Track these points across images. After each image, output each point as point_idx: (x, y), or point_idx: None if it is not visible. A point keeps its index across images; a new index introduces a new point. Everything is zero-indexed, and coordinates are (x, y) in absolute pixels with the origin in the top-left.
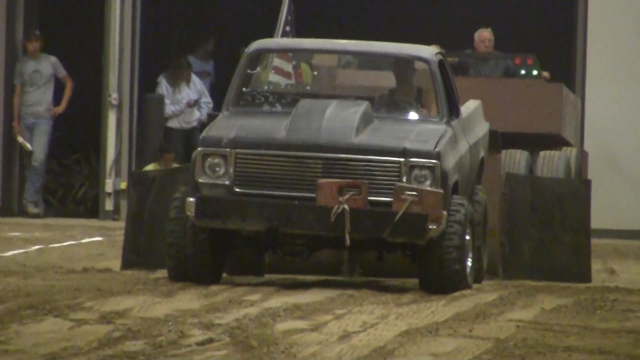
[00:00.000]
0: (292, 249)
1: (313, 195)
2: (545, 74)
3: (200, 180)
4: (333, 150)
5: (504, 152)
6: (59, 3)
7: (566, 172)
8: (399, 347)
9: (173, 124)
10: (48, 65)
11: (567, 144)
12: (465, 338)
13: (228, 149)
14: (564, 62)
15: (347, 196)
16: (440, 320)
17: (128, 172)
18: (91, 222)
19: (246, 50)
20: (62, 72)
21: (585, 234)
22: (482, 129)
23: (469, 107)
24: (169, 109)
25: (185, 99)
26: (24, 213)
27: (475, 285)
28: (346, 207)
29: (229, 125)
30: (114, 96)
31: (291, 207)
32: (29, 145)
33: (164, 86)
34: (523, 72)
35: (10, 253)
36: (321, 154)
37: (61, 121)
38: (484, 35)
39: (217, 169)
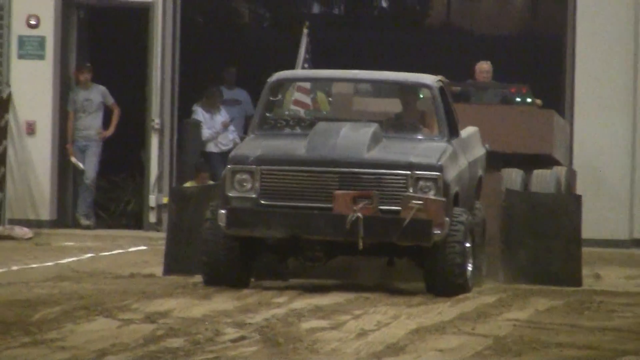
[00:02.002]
0: (312, 255)
1: (330, 205)
2: (538, 101)
3: (230, 194)
4: (347, 165)
5: (502, 170)
6: (107, 38)
7: (557, 188)
8: (410, 344)
9: (211, 148)
10: (98, 94)
11: (558, 163)
12: (468, 335)
13: (254, 166)
14: (554, 90)
15: (360, 205)
16: (446, 319)
17: (169, 188)
18: (136, 233)
19: (268, 80)
20: (110, 100)
21: (577, 243)
22: (479, 151)
23: (467, 131)
24: (207, 132)
25: (220, 122)
26: (77, 225)
27: (477, 289)
28: (360, 215)
29: (255, 146)
30: (156, 121)
31: (310, 216)
32: (81, 165)
33: (200, 113)
34: (518, 99)
35: (65, 260)
36: (337, 169)
37: (110, 143)
38: (483, 67)
39: (244, 183)
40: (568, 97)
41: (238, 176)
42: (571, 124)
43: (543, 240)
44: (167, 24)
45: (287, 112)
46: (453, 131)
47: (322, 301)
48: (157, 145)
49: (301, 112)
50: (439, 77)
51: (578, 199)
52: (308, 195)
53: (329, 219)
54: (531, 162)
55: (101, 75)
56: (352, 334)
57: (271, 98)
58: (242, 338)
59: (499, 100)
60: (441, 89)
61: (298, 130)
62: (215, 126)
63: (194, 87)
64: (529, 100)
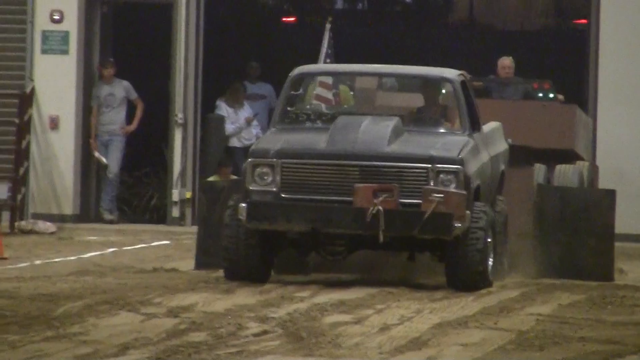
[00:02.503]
0: (332, 249)
1: (350, 198)
2: (560, 96)
3: (250, 188)
4: (368, 159)
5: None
6: (131, 34)
7: (579, 183)
8: (432, 338)
9: (234, 143)
10: (121, 88)
11: (580, 158)
12: (491, 330)
13: (275, 159)
14: (578, 86)
15: (380, 199)
16: (469, 314)
17: (196, 182)
18: (159, 227)
19: (290, 75)
20: (134, 95)
21: (610, 238)
22: (502, 146)
23: (490, 126)
24: (230, 127)
25: (243, 117)
26: (100, 220)
27: (499, 283)
28: (380, 208)
29: (275, 139)
30: (179, 116)
31: (331, 209)
32: (104, 160)
33: (223, 108)
34: (540, 95)
35: (88, 255)
36: (357, 162)
37: (133, 138)
38: (505, 63)
39: (265, 177)
40: (591, 93)
41: (259, 169)
42: (594, 119)
43: (575, 235)
44: (190, 19)
45: (308, 106)
46: (475, 125)
47: (345, 295)
48: (180, 140)
49: (323, 107)
50: (461, 72)
51: (612, 194)
52: (329, 189)
53: (350, 212)
54: (554, 157)
55: (125, 70)
56: (374, 328)
57: (292, 92)
58: (265, 332)
59: (521, 95)
60: (463, 83)
61: (319, 124)
62: (239, 121)
63: (218, 82)
64: (551, 95)
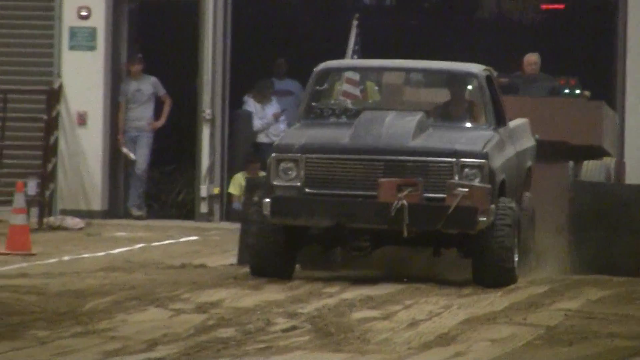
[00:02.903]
0: (357, 245)
1: (374, 193)
2: (587, 92)
3: (274, 183)
4: (392, 153)
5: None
6: (158, 29)
7: (606, 179)
8: (461, 334)
9: (262, 139)
10: (149, 84)
11: (607, 154)
12: (519, 325)
13: (299, 154)
14: (606, 82)
15: (405, 193)
16: (497, 309)
17: (224, 178)
18: (188, 223)
19: (315, 70)
20: (162, 91)
21: None
22: (528, 142)
23: (516, 122)
24: (258, 123)
25: (271, 113)
26: (128, 216)
27: (528, 279)
28: (404, 202)
29: (300, 134)
30: (207, 112)
31: (355, 204)
32: (132, 156)
33: (250, 104)
34: (567, 91)
35: (116, 251)
36: (381, 157)
37: (161, 134)
38: (531, 59)
39: (289, 172)
40: (619, 88)
41: (282, 165)
42: (622, 116)
43: (610, 231)
44: (218, 14)
45: (332, 101)
46: (500, 120)
47: (373, 291)
48: (208, 135)
49: (348, 102)
50: (486, 67)
51: None
52: (353, 184)
53: (374, 206)
54: (580, 153)
55: (152, 66)
56: (403, 324)
57: (317, 87)
58: (293, 328)
59: (547, 92)
60: (488, 78)
61: (344, 119)
62: (266, 117)
63: (245, 78)
64: (577, 91)
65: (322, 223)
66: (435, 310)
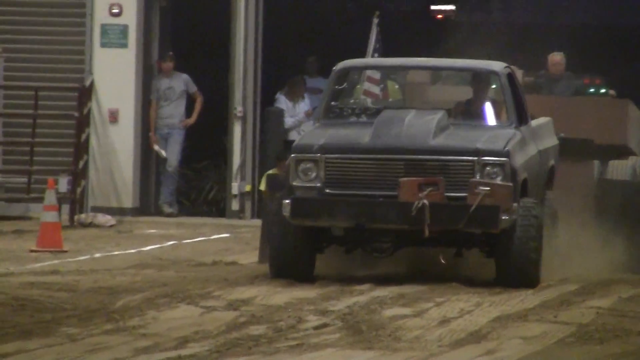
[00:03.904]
0: (378, 245)
1: (395, 193)
2: (612, 92)
3: (294, 184)
4: (413, 152)
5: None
6: (190, 27)
7: (632, 178)
8: (492, 331)
9: (294, 136)
10: (180, 82)
11: (633, 153)
12: (551, 323)
13: (318, 155)
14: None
15: (426, 192)
16: (529, 307)
17: (255, 176)
18: (219, 220)
19: (334, 69)
20: (193, 88)
21: None
22: (551, 140)
23: (539, 120)
24: (289, 121)
25: (303, 111)
26: (159, 213)
27: (559, 277)
28: (426, 202)
29: (319, 134)
30: (239, 109)
31: (376, 204)
32: (164, 153)
33: (282, 101)
34: (591, 90)
35: (148, 248)
36: (402, 156)
37: (192, 131)
38: (555, 59)
39: (309, 172)
40: None
41: (302, 165)
42: None
43: (637, 229)
44: (249, 11)
45: (352, 101)
46: (522, 118)
47: (405, 289)
48: (240, 133)
49: (368, 101)
50: (507, 64)
51: None
52: (373, 184)
53: (395, 206)
54: (606, 152)
55: (184, 63)
56: (434, 321)
57: (337, 86)
58: (325, 325)
59: (572, 91)
60: (509, 76)
61: (364, 118)
62: (298, 115)
63: (277, 75)
64: (602, 91)
65: (342, 224)
66: (467, 308)
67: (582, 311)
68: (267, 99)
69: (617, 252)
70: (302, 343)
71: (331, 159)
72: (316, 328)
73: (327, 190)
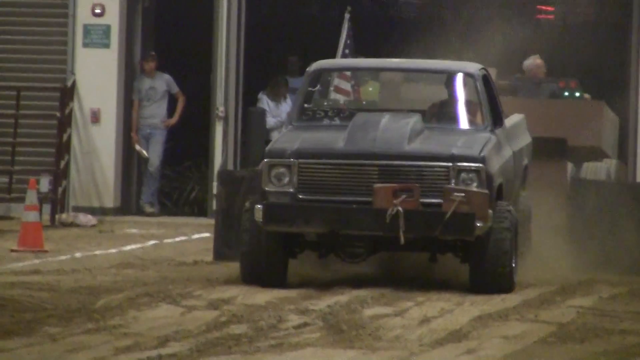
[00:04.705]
0: (352, 251)
1: (370, 199)
2: (587, 96)
3: (267, 189)
4: (387, 158)
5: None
6: (172, 28)
7: (607, 180)
8: (473, 331)
9: (276, 136)
10: (162, 82)
11: (607, 156)
12: (531, 322)
13: (292, 160)
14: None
15: (400, 199)
16: (510, 306)
17: (217, 173)
18: (200, 220)
19: (307, 70)
20: (175, 88)
21: None
22: (525, 139)
23: (512, 119)
24: (271, 121)
25: (285, 111)
26: (141, 213)
27: (540, 277)
28: (400, 208)
29: (292, 138)
30: (220, 109)
31: (350, 210)
32: (145, 153)
33: (265, 101)
34: (566, 94)
35: (129, 247)
36: (376, 162)
37: (174, 132)
38: (537, 62)
39: (282, 178)
40: (633, 85)
41: (275, 170)
42: (636, 122)
43: (612, 229)
44: (232, 12)
45: (326, 103)
46: (497, 121)
47: (385, 288)
48: (221, 133)
49: (341, 100)
50: (482, 66)
51: None
52: (347, 189)
53: (369, 213)
54: (580, 154)
55: (166, 63)
56: (415, 320)
57: (310, 88)
58: (305, 325)
59: (548, 95)
60: (485, 78)
61: (337, 121)
62: (280, 115)
63: (259, 75)
64: (577, 94)
65: (316, 230)
66: (447, 307)
67: (563, 310)
68: (249, 99)
69: (591, 252)
70: (282, 342)
71: (305, 164)
72: (297, 327)
73: (301, 196)
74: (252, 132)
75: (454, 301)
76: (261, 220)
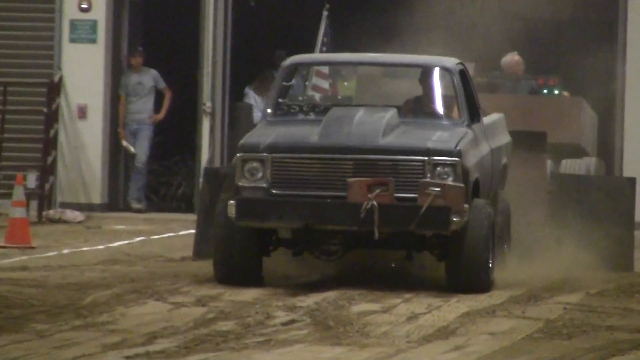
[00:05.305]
0: (327, 248)
1: (344, 193)
2: (566, 93)
3: (240, 184)
4: (362, 152)
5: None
6: (159, 23)
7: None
8: (460, 327)
9: None
10: (149, 77)
11: (585, 153)
12: (519, 319)
13: (265, 154)
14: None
15: (375, 193)
16: (497, 303)
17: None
18: (188, 216)
19: (282, 64)
20: (162, 84)
21: (630, 227)
22: (504, 138)
23: (492, 117)
24: (258, 116)
25: None
26: (128, 209)
27: (528, 273)
28: (375, 203)
29: (266, 133)
30: (207, 105)
31: (324, 205)
32: (132, 149)
33: (251, 96)
34: (545, 91)
35: (116, 244)
36: (351, 156)
37: (161, 127)
38: (516, 59)
39: (255, 172)
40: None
41: (248, 165)
42: (622, 121)
43: (593, 224)
44: (219, 6)
45: (301, 98)
46: (474, 116)
47: (373, 285)
48: (208, 128)
49: (317, 97)
50: (460, 61)
51: (632, 181)
52: (321, 184)
53: (343, 207)
54: (559, 151)
55: (153, 58)
56: (402, 317)
57: (285, 83)
58: (293, 321)
59: (526, 92)
60: (462, 72)
61: (312, 116)
62: None
63: (246, 70)
64: (556, 92)
65: (290, 225)
66: (435, 304)
67: (550, 307)
68: (236, 94)
69: (572, 248)
70: (270, 339)
71: (278, 158)
72: (284, 324)
73: (274, 191)
74: (239, 127)
75: (442, 298)
76: (234, 215)
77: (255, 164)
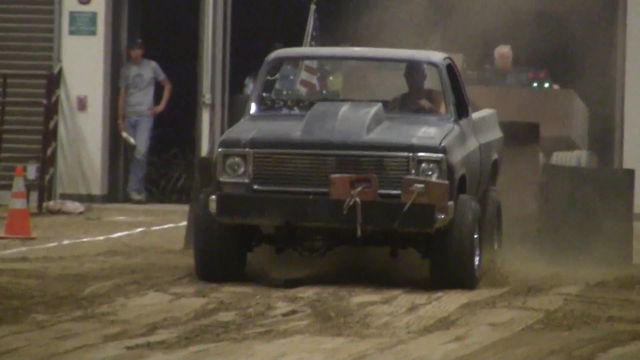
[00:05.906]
0: (309, 245)
1: (327, 190)
2: (556, 86)
3: (221, 179)
4: (345, 148)
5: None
6: (159, 15)
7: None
8: (461, 318)
9: None
10: (149, 69)
11: (575, 146)
12: (519, 310)
13: (247, 149)
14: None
15: (358, 190)
16: (497, 294)
17: (196, 159)
18: (187, 207)
19: (266, 59)
20: (162, 76)
21: (629, 219)
22: (495, 133)
23: (482, 113)
24: None
25: None
26: (128, 200)
27: (529, 264)
28: (357, 200)
29: (249, 128)
30: (207, 96)
31: (306, 201)
32: (132, 140)
33: (251, 88)
34: (535, 85)
35: (116, 235)
36: (334, 152)
37: (161, 119)
38: (502, 51)
39: (236, 168)
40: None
41: (230, 160)
42: (622, 115)
43: (589, 217)
44: None
45: (285, 92)
46: (462, 111)
47: (373, 275)
48: (208, 120)
49: (303, 92)
50: (447, 55)
51: (631, 173)
52: (304, 180)
53: (326, 204)
54: (550, 144)
55: (153, 50)
56: (403, 308)
57: (269, 77)
58: (293, 312)
59: (516, 85)
60: (449, 67)
61: (296, 111)
62: None
63: (246, 62)
64: (546, 85)
65: (271, 222)
66: (435, 295)
67: (550, 298)
68: (235, 86)
69: (563, 242)
70: (271, 330)
71: (260, 153)
72: (285, 315)
73: (256, 187)
74: (238, 119)
75: (442, 289)
76: (215, 211)
77: (236, 160)
